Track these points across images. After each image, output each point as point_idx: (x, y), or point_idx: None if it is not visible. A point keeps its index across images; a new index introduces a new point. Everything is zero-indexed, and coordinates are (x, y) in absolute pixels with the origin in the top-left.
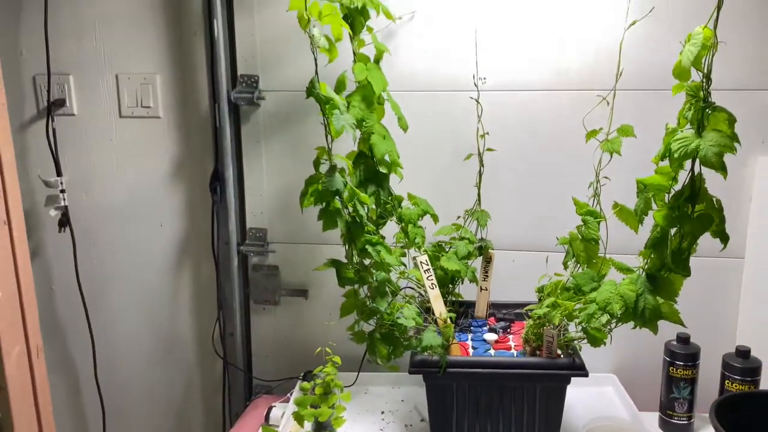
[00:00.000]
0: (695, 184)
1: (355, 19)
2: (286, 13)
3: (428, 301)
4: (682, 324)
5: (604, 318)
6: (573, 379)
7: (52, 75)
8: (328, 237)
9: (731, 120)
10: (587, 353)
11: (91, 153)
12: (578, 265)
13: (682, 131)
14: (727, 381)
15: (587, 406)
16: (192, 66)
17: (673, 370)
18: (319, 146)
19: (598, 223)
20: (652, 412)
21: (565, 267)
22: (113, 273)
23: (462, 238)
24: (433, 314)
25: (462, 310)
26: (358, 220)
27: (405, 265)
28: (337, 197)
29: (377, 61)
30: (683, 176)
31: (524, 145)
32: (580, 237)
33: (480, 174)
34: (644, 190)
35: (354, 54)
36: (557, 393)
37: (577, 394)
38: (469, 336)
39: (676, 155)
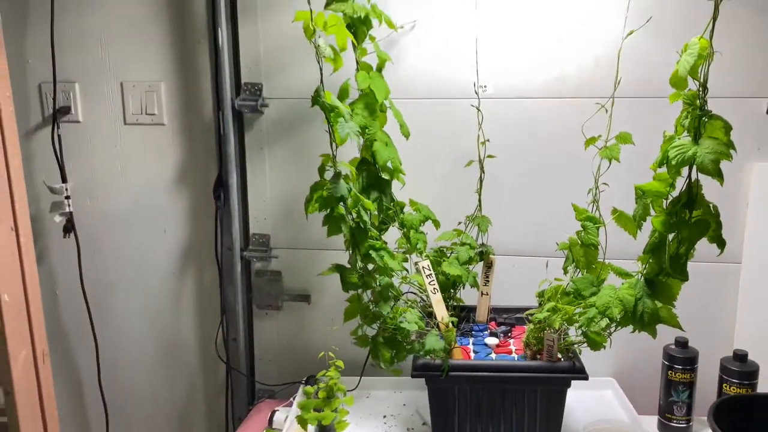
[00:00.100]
0: (692, 190)
1: (358, 28)
2: (289, 22)
3: (430, 306)
4: (680, 328)
5: (604, 322)
6: (573, 382)
7: (57, 83)
8: (329, 243)
9: (727, 128)
10: (587, 357)
11: (96, 160)
12: (578, 270)
13: (679, 138)
14: (725, 384)
15: (587, 410)
16: (196, 74)
17: (671, 373)
18: (323, 153)
19: (598, 228)
20: (651, 415)
21: (565, 272)
22: (117, 278)
23: (463, 244)
24: (435, 319)
25: (463, 314)
26: (362, 225)
27: (407, 270)
28: (341, 203)
29: (379, 69)
30: (681, 183)
31: (524, 152)
32: (579, 242)
33: (481, 180)
34: (642, 196)
35: (357, 62)
36: (558, 396)
37: (577, 397)
38: (471, 340)
39: (673, 162)
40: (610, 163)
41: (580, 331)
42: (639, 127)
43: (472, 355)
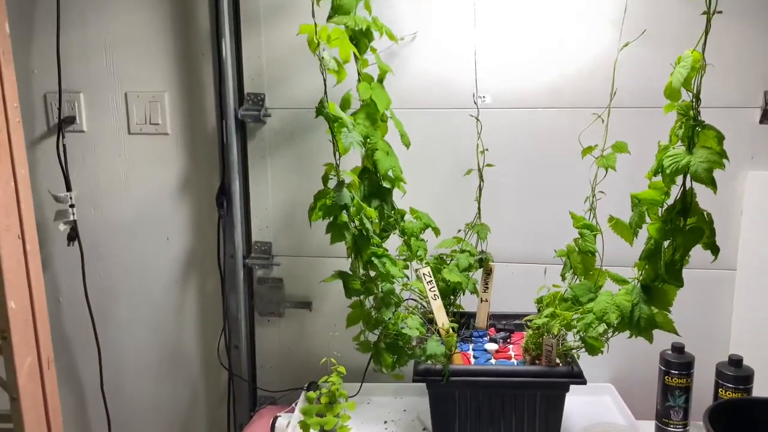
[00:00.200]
0: (686, 198)
1: (360, 40)
2: (291, 33)
3: (431, 312)
4: (676, 333)
5: (601, 327)
6: (571, 387)
7: (63, 93)
8: (330, 250)
9: (720, 137)
10: (585, 364)
11: (100, 169)
12: (575, 276)
13: (673, 148)
14: (720, 389)
15: (585, 414)
16: (200, 84)
17: (668, 379)
18: (326, 162)
19: (595, 236)
20: (648, 420)
21: (563, 278)
22: (120, 286)
23: (463, 251)
24: (436, 325)
25: (463, 320)
26: (365, 233)
27: (408, 277)
28: (344, 211)
29: (381, 80)
30: (675, 191)
31: (523, 161)
32: (577, 249)
33: (480, 189)
34: (638, 204)
35: (358, 73)
36: (556, 401)
37: (575, 402)
38: (471, 346)
39: (668, 171)
40: (606, 172)
41: (578, 337)
42: (634, 137)
43: (473, 360)
